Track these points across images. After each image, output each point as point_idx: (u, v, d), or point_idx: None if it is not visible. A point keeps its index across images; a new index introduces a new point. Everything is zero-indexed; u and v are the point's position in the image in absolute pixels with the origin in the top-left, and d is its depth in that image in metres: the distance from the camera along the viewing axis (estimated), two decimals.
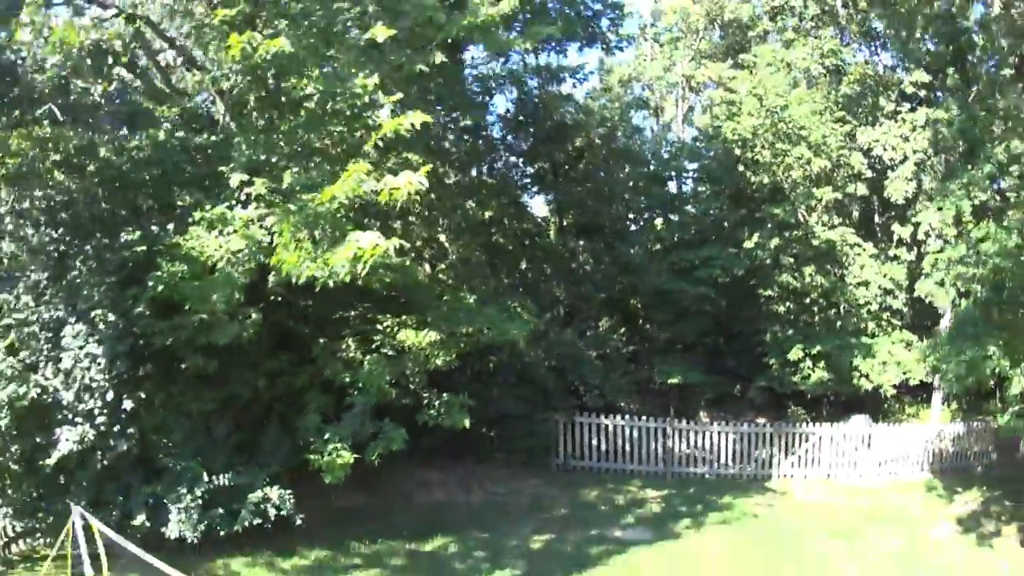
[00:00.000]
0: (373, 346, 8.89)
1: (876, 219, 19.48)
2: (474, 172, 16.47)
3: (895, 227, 17.31)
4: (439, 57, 9.51)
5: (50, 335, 8.36)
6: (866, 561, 10.37)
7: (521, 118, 15.44)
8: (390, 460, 10.50)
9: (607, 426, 14.16)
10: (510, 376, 13.54)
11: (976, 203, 14.65)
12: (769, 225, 17.64)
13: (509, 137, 16.64)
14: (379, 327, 9.05)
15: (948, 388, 14.83)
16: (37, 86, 8.02)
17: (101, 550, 7.26)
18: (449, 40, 9.33)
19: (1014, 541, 11.64)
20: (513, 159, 17.35)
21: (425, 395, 9.15)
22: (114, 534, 7.29)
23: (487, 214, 15.86)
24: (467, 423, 8.90)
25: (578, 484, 13.59)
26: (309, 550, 9.01)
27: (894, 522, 12.40)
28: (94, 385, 7.87)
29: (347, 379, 8.45)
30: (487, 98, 15.82)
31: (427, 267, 14.02)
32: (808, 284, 17.31)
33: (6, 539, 9.29)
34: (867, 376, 16.48)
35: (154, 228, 8.30)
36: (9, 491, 8.62)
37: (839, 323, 17.36)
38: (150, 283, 7.53)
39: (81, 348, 7.91)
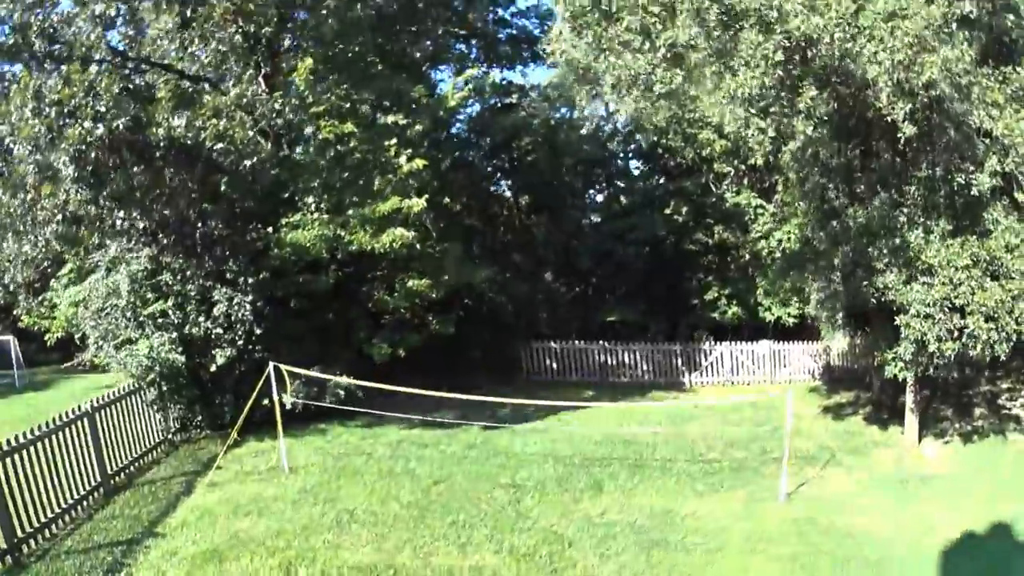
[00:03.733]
0: (394, 289, 17.48)
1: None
2: (447, 164, 24.81)
3: None
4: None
5: (199, 297, 15.79)
6: (739, 426, 17.68)
7: (479, 128, 24.10)
8: (403, 373, 19.23)
9: (554, 348, 23.04)
10: (483, 316, 22.23)
11: None
12: (685, 195, 26.34)
13: (475, 139, 25.31)
14: (395, 280, 17.67)
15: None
16: None
17: (287, 382, 14.39)
18: None
19: (859, 419, 17.94)
20: (480, 155, 26.06)
21: (428, 316, 17.83)
22: (297, 369, 14.46)
23: (462, 199, 24.40)
24: (452, 330, 17.58)
25: (537, 388, 22.15)
26: (363, 417, 17.45)
27: (768, 408, 19.55)
28: (243, 320, 15.53)
29: (381, 308, 17.11)
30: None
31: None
32: (718, 240, 25.97)
33: (173, 431, 15.76)
34: (769, 309, 25.17)
35: (259, 228, 16.75)
36: (183, 392, 15.46)
37: (748, 269, 26.04)
38: (270, 260, 16.08)
39: (231, 300, 15.48)
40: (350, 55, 17.58)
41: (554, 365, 23.23)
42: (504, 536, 11.04)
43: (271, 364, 13.83)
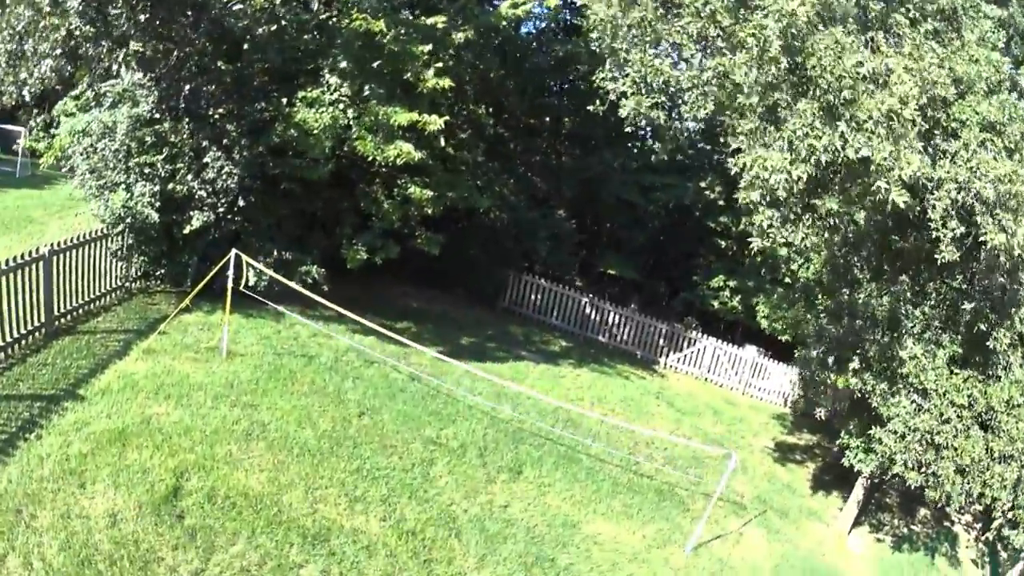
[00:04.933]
0: (392, 193, 17.18)
1: None
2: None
3: None
4: None
5: (193, 155, 14.98)
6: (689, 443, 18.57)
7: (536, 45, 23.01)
8: (385, 275, 19.21)
9: (542, 286, 22.96)
10: (483, 233, 21.99)
11: None
12: (724, 173, 25.38)
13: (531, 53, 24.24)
14: (397, 182, 17.32)
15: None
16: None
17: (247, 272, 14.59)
18: None
19: (807, 472, 17.90)
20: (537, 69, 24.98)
21: (417, 231, 17.62)
22: (259, 265, 14.72)
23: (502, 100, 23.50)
24: (437, 252, 17.33)
25: (512, 322, 22.27)
26: (325, 311, 17.44)
27: (730, 419, 20.25)
28: (227, 188, 15.16)
29: (372, 211, 16.83)
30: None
31: (442, 140, 22.12)
32: (743, 230, 25.23)
33: (133, 279, 15.45)
34: (766, 318, 24.80)
35: (274, 97, 16.16)
36: (151, 246, 15.13)
37: (762, 271, 25.45)
38: (271, 136, 15.56)
39: (222, 168, 15.14)
40: None
41: (538, 303, 23.20)
42: (399, 502, 11.22)
43: (233, 251, 13.65)
